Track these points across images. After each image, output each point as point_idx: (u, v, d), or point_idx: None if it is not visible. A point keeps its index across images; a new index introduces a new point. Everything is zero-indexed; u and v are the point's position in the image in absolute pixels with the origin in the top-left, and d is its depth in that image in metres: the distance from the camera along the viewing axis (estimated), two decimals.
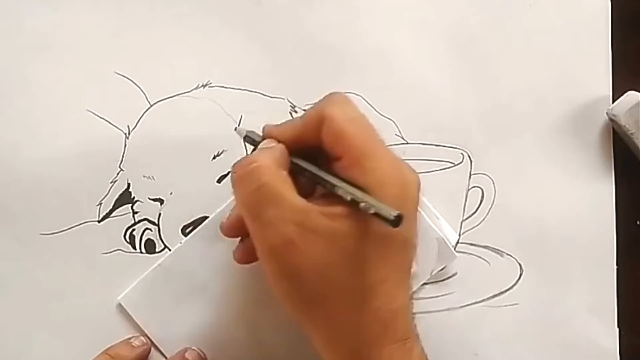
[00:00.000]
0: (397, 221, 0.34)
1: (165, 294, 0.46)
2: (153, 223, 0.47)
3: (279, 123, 0.41)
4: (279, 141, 0.39)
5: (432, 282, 0.46)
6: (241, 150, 0.47)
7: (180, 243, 0.46)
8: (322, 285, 0.36)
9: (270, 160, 0.38)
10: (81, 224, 0.46)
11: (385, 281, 0.36)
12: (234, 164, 0.39)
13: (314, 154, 0.39)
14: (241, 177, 0.38)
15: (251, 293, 0.46)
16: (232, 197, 0.40)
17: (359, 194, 0.35)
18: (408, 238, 0.38)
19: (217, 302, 0.46)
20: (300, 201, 0.36)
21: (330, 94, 0.39)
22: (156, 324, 0.46)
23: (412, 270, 0.43)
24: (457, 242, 0.47)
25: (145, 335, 0.46)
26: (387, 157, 0.37)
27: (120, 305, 0.46)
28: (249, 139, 0.41)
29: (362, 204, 0.35)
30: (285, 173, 0.38)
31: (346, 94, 0.39)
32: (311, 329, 0.38)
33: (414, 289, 0.46)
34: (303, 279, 0.36)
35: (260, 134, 0.41)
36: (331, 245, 0.36)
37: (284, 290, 0.37)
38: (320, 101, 0.39)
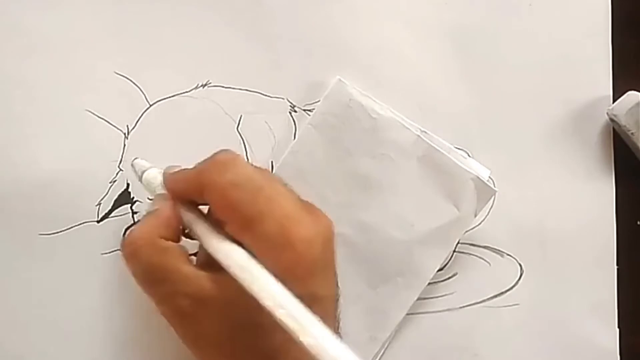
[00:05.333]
0: None
1: None
2: None
3: (176, 170, 0.39)
4: (173, 194, 0.39)
5: (432, 283, 0.46)
6: (241, 150, 0.46)
7: None
8: (227, 349, 0.36)
9: (151, 233, 0.37)
10: (80, 224, 0.46)
11: (291, 339, 0.33)
12: (121, 242, 0.39)
13: None
14: (126, 258, 0.37)
15: None
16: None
17: (238, 270, 0.34)
18: (314, 294, 0.36)
19: None
20: (189, 271, 0.36)
21: (215, 154, 0.37)
22: None
23: (456, 215, 0.44)
24: (489, 176, 0.45)
25: None
26: (275, 217, 0.35)
27: (118, 306, 0.46)
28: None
29: (239, 281, 0.34)
30: (168, 244, 0.37)
31: (231, 151, 0.37)
32: None
33: (460, 236, 0.45)
34: (209, 344, 0.36)
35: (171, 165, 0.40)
36: (225, 314, 0.35)
37: (194, 352, 0.37)
38: (202, 162, 0.37)
